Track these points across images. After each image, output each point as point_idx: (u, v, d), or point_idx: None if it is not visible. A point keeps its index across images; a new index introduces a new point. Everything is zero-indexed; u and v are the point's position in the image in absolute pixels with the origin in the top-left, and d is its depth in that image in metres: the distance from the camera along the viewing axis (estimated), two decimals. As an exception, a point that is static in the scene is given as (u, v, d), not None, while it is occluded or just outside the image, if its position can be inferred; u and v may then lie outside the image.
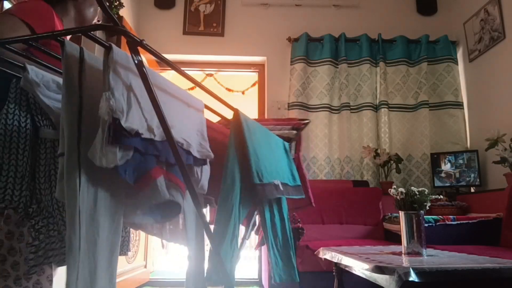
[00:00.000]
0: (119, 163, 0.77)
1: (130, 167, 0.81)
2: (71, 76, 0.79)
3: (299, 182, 1.64)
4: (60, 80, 1.02)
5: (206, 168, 1.16)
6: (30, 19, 1.05)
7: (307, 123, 1.56)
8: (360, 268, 1.50)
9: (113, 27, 0.82)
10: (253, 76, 4.03)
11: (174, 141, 0.87)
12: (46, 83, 1.02)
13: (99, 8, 1.23)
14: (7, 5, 1.97)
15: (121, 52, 0.85)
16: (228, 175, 1.17)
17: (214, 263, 1.10)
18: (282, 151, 1.61)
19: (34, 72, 1.00)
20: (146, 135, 0.83)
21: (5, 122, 0.99)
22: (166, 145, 0.88)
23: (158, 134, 0.86)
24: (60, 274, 1.13)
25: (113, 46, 0.82)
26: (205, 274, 1.12)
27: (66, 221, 0.74)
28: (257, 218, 1.51)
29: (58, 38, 0.78)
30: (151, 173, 0.84)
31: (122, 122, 0.77)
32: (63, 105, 0.79)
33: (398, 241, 1.99)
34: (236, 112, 1.25)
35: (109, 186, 0.82)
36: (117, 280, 2.67)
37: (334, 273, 2.02)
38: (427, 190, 1.75)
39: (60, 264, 1.04)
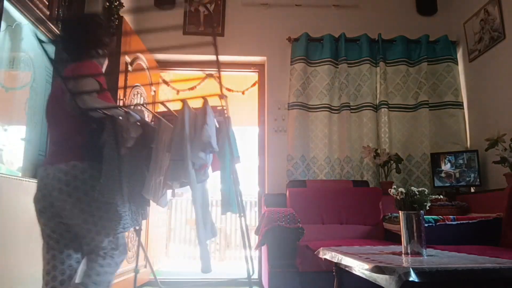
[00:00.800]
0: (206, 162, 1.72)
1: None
2: (183, 116, 1.65)
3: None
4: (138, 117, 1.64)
5: (211, 155, 1.87)
6: (97, 77, 1.54)
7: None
8: (360, 268, 1.50)
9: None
10: (253, 76, 4.02)
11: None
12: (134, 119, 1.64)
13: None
14: (7, 5, 1.97)
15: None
16: (226, 153, 1.92)
17: (228, 195, 1.88)
18: None
19: (132, 114, 1.60)
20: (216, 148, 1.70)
21: (108, 148, 1.50)
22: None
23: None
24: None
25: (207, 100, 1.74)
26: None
27: (191, 188, 1.63)
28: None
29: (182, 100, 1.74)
30: (206, 165, 1.73)
31: (212, 143, 1.65)
32: (177, 132, 1.64)
33: (398, 241, 1.98)
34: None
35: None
36: (117, 280, 2.67)
37: (334, 273, 2.02)
38: (427, 190, 1.75)
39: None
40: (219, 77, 1.84)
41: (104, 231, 1.47)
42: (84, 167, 1.45)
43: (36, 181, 1.52)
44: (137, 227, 1.74)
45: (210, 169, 1.86)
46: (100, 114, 1.49)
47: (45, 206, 1.45)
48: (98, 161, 1.47)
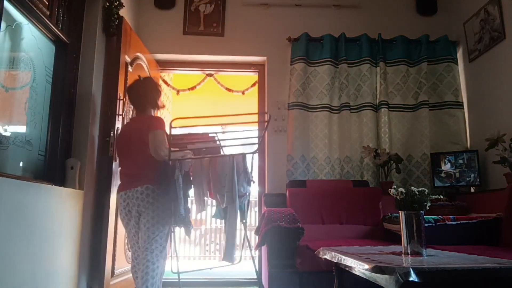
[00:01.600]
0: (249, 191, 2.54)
1: None
2: (233, 162, 2.41)
3: None
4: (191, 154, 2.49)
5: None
6: (165, 130, 2.40)
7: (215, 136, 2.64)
8: (360, 268, 1.50)
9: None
10: (253, 76, 4.02)
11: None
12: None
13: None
14: (7, 5, 1.97)
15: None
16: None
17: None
18: None
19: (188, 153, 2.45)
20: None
21: (178, 177, 2.31)
22: None
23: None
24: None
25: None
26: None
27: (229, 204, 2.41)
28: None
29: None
30: (245, 194, 2.49)
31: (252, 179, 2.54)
32: (230, 173, 2.38)
33: (398, 241, 1.98)
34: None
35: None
36: (117, 280, 2.68)
37: (334, 273, 2.02)
38: (427, 190, 1.75)
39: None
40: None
41: (158, 229, 2.26)
42: (154, 188, 2.27)
43: (120, 202, 2.35)
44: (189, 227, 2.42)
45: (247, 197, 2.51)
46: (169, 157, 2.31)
47: (132, 215, 2.30)
48: (164, 184, 2.29)
